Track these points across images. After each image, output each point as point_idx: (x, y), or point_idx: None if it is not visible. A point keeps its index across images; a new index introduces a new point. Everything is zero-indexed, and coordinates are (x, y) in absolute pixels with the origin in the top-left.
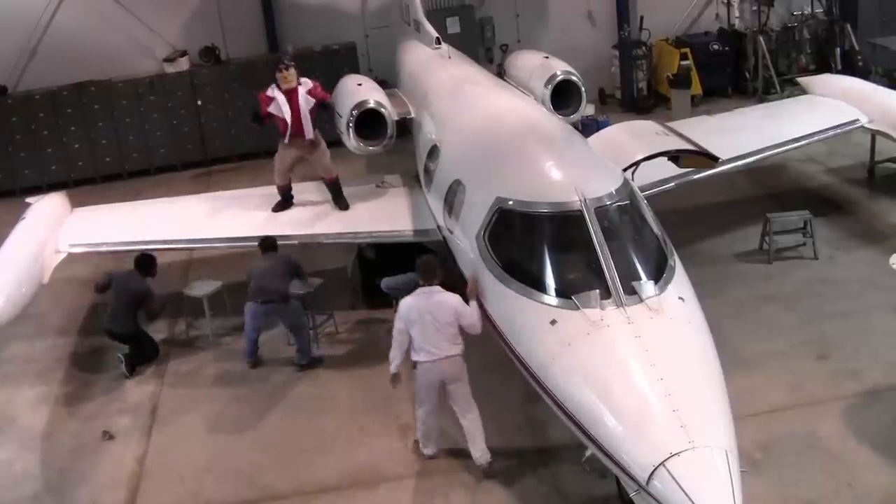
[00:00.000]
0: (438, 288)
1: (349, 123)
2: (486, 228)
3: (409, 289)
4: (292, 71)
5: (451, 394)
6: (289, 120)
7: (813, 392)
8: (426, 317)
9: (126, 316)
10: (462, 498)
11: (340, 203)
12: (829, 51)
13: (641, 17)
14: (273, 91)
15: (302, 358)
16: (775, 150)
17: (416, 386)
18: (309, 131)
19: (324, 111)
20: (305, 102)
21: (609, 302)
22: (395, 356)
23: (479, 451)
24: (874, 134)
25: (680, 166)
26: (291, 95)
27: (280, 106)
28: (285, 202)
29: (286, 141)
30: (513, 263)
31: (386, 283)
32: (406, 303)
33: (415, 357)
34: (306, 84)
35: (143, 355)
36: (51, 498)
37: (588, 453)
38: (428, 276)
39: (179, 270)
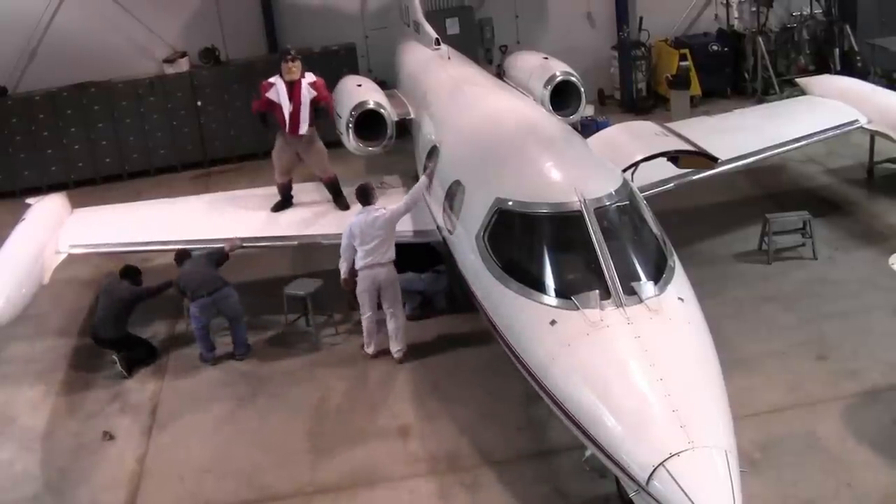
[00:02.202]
0: (374, 206)
1: (349, 124)
2: (486, 229)
3: (418, 289)
4: (298, 63)
5: (384, 295)
6: (287, 111)
7: (812, 392)
8: (367, 230)
9: (115, 320)
10: (462, 498)
11: (340, 203)
12: (828, 51)
13: (641, 18)
14: (276, 78)
15: (240, 349)
16: (774, 151)
17: (359, 291)
18: (304, 126)
19: (317, 114)
20: (308, 94)
21: (609, 302)
22: (343, 266)
23: (398, 347)
24: (873, 134)
25: (679, 167)
26: (294, 87)
27: (279, 93)
28: (285, 202)
29: (286, 133)
30: (512, 264)
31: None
32: (350, 223)
33: (358, 265)
34: (309, 77)
35: (137, 356)
36: (51, 498)
37: (588, 453)
38: (366, 199)
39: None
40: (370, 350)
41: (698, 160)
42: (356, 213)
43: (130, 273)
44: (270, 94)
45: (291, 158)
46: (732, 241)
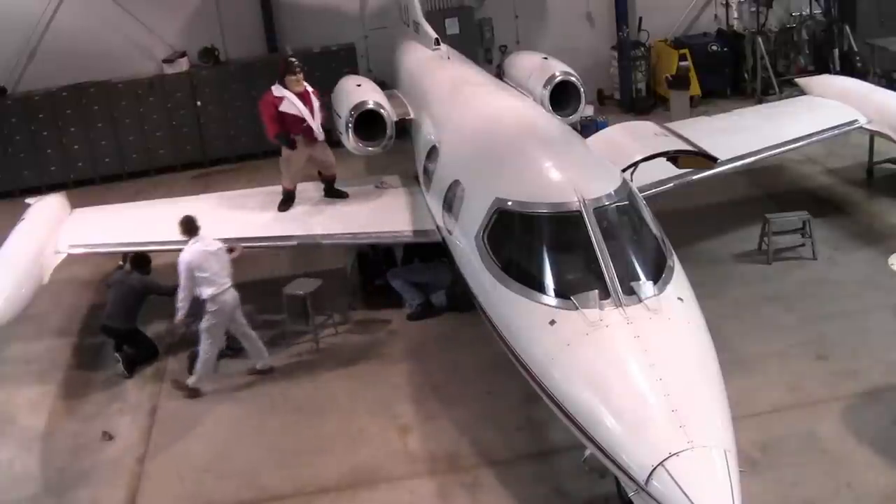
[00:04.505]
0: (202, 235)
1: (348, 124)
2: (486, 229)
3: (423, 280)
4: (301, 74)
5: (236, 317)
6: (309, 119)
7: (812, 392)
8: (209, 259)
9: (126, 311)
10: (462, 498)
11: (340, 195)
12: (827, 51)
13: (640, 18)
14: (280, 91)
15: (235, 343)
16: (774, 151)
17: (211, 325)
18: (321, 132)
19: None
20: (317, 101)
21: (608, 302)
22: (184, 304)
23: (262, 361)
24: (872, 134)
25: (679, 167)
26: (305, 97)
27: (295, 105)
28: (289, 201)
29: (304, 140)
30: (512, 264)
31: (394, 274)
32: (185, 257)
33: (208, 293)
34: (307, 86)
35: (140, 355)
36: (51, 498)
37: (588, 453)
38: (192, 230)
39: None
40: (210, 387)
41: (698, 160)
42: (189, 245)
43: (140, 262)
44: (285, 108)
45: (303, 164)
46: (732, 241)
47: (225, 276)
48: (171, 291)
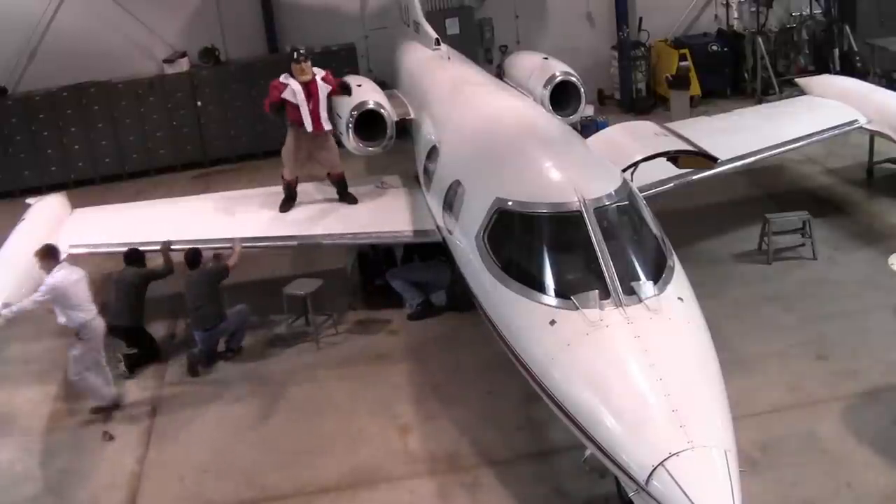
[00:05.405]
0: (66, 263)
1: (349, 124)
2: (486, 229)
3: (422, 280)
4: (309, 63)
5: (100, 349)
6: (306, 109)
7: (812, 392)
8: (76, 285)
9: (130, 308)
10: (462, 498)
11: (348, 199)
12: (827, 51)
13: (640, 18)
14: (287, 78)
15: (233, 343)
16: (774, 151)
17: (85, 348)
18: (326, 122)
19: (345, 92)
20: (324, 90)
21: (608, 302)
22: (17, 311)
23: (106, 400)
24: (872, 134)
25: (679, 167)
26: (310, 87)
27: (296, 94)
28: (291, 199)
29: (306, 130)
30: (512, 264)
31: (394, 274)
32: (50, 281)
33: (80, 320)
34: (319, 73)
35: (143, 354)
36: (51, 498)
37: (588, 453)
38: (53, 257)
39: (179, 272)
40: (104, 402)
41: (698, 160)
42: (54, 273)
43: (134, 258)
44: (286, 95)
45: (305, 155)
46: (732, 241)
47: (91, 303)
48: (169, 271)
